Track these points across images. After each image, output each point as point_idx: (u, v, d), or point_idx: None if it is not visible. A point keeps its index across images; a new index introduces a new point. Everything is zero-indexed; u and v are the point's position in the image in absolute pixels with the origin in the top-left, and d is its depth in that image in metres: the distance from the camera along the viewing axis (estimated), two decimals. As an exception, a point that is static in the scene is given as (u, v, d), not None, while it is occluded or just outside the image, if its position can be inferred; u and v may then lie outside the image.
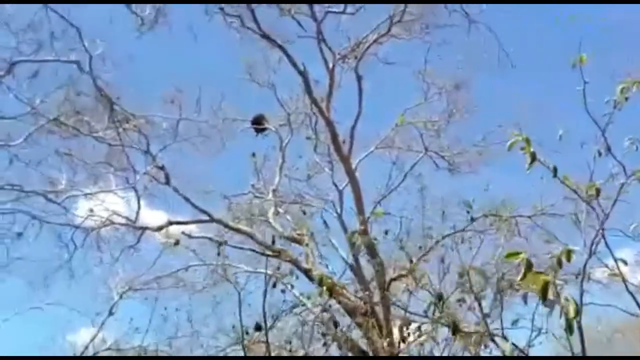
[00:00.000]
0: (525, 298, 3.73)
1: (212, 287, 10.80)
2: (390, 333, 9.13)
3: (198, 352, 8.85)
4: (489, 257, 10.66)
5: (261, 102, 11.82)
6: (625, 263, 3.27)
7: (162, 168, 10.09)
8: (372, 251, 9.13)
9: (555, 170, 2.73)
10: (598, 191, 3.05)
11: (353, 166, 10.53)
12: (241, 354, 8.55)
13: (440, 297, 4.05)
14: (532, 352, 3.82)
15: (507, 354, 3.22)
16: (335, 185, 11.26)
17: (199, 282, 10.71)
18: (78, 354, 9.37)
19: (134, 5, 8.59)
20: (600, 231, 3.15)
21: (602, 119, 3.24)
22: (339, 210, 11.22)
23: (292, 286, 7.31)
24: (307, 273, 9.68)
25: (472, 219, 8.51)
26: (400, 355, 7.01)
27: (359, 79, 10.13)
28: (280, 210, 11.43)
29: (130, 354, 9.09)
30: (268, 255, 10.27)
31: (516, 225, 10.30)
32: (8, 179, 9.01)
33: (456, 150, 11.91)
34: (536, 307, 3.22)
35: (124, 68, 9.05)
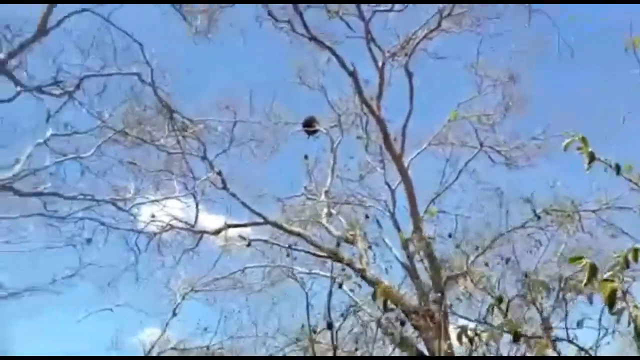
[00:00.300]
0: (590, 299, 3.58)
1: (269, 288, 11.05)
2: (447, 334, 8.97)
3: (260, 352, 9.07)
4: (551, 254, 10.28)
5: (312, 104, 11.94)
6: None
7: (219, 174, 10.40)
8: (427, 252, 9.00)
9: (617, 167, 2.59)
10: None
11: (405, 165, 10.41)
12: (299, 353, 8.69)
13: (500, 300, 3.94)
14: (600, 353, 3.66)
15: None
16: (388, 185, 11.19)
17: (257, 283, 10.97)
18: (144, 354, 9.83)
19: (186, 13, 8.91)
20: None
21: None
22: (391, 210, 11.15)
23: (360, 286, 7.33)
24: (361, 274, 9.68)
25: (536, 215, 8.18)
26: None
27: (409, 76, 10.00)
28: (333, 211, 11.49)
29: (194, 354, 9.44)
30: (322, 257, 10.37)
31: (580, 221, 9.85)
32: (80, 189, 9.59)
33: (513, 145, 11.52)
34: (603, 308, 3.07)
35: (182, 77, 9.43)
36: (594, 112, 10.24)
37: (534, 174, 11.50)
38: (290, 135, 12.13)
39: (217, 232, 10.80)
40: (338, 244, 10.00)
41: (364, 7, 9.38)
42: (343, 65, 9.79)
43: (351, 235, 10.59)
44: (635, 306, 2.57)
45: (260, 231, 11.26)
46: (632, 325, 2.36)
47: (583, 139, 2.54)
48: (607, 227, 9.88)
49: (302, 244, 10.70)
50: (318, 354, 7.30)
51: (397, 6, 9.48)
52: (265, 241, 10.95)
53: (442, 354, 8.05)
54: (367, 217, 10.38)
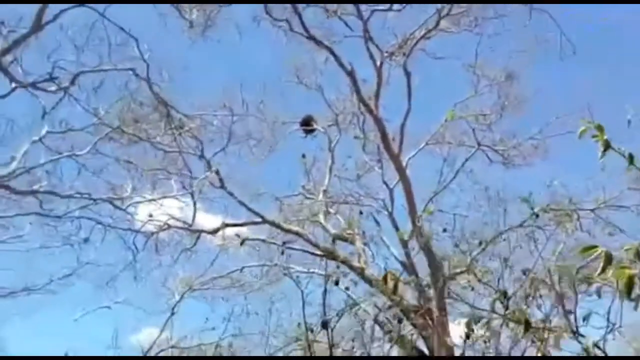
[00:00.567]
0: (599, 292, 3.58)
1: (266, 287, 11.00)
2: (446, 331, 8.97)
3: (260, 351, 9.02)
4: (549, 252, 10.30)
5: (309, 103, 11.93)
6: None
7: (216, 172, 10.36)
8: (426, 249, 9.00)
9: (631, 157, 2.59)
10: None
11: (403, 164, 10.42)
12: (299, 353, 8.64)
13: (505, 294, 3.94)
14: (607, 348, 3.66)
15: (587, 351, 3.09)
16: (386, 184, 11.20)
17: (254, 282, 10.93)
18: (143, 354, 9.75)
19: (183, 10, 8.85)
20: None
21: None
22: (390, 209, 11.15)
23: (356, 283, 7.31)
24: (359, 272, 9.67)
25: (534, 214, 8.22)
26: (460, 354, 6.88)
27: (407, 75, 10.03)
28: (331, 210, 11.49)
29: (193, 353, 9.38)
30: (320, 255, 10.35)
31: (578, 220, 9.88)
32: (76, 187, 9.51)
33: (510, 144, 11.56)
34: (613, 300, 3.09)
35: (178, 74, 9.38)
36: (593, 111, 10.28)
37: (531, 173, 11.57)
38: (288, 134, 12.13)
39: (214, 231, 10.77)
40: (333, 241, 10.00)
41: (362, 6, 9.39)
42: (341, 64, 9.81)
43: (349, 234, 10.59)
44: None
45: (258, 230, 11.25)
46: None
47: (599, 127, 2.53)
48: (605, 226, 9.92)
49: (300, 243, 10.69)
50: (318, 353, 7.26)
51: (396, 6, 9.50)
52: (264, 241, 10.93)
53: (443, 353, 8.05)
54: (361, 213, 10.39)
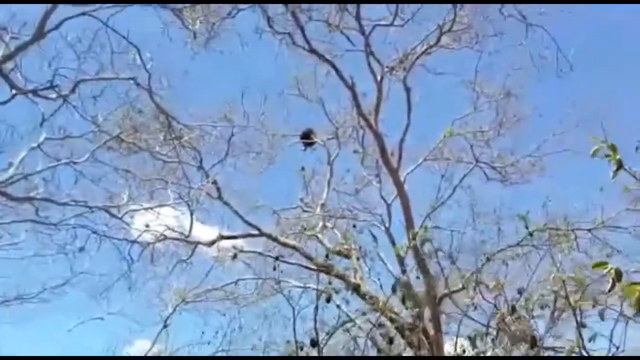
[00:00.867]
0: (602, 314, 3.53)
1: (261, 300, 10.90)
2: (441, 349, 8.87)
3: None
4: (546, 273, 10.25)
5: (310, 116, 11.94)
6: None
7: (214, 183, 10.32)
8: (422, 267, 8.94)
9: (642, 178, 2.57)
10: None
11: (401, 179, 10.40)
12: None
13: (513, 309, 3.88)
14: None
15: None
16: (384, 199, 11.18)
17: (249, 296, 10.83)
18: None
19: (186, 20, 8.89)
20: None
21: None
22: (387, 224, 11.11)
23: (348, 302, 7.22)
24: (355, 288, 9.59)
25: (530, 234, 8.19)
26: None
27: (407, 90, 10.06)
28: (329, 224, 11.43)
29: (185, 365, 9.26)
30: (316, 270, 10.27)
31: (575, 240, 9.85)
32: (73, 195, 9.46)
33: (508, 161, 11.58)
34: (615, 323, 3.03)
35: (179, 83, 9.40)
36: (592, 128, 10.34)
37: (529, 190, 11.57)
38: (288, 146, 12.13)
39: (211, 243, 10.69)
40: (327, 256, 9.91)
41: (364, 21, 9.45)
42: (342, 78, 9.84)
43: (345, 249, 10.52)
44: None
45: (254, 243, 11.18)
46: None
47: (612, 147, 2.52)
48: (603, 247, 9.88)
49: (297, 257, 10.62)
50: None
51: (397, 21, 9.56)
52: (259, 253, 10.85)
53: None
54: (354, 226, 10.34)
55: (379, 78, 9.94)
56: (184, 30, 8.65)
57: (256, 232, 10.78)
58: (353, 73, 9.79)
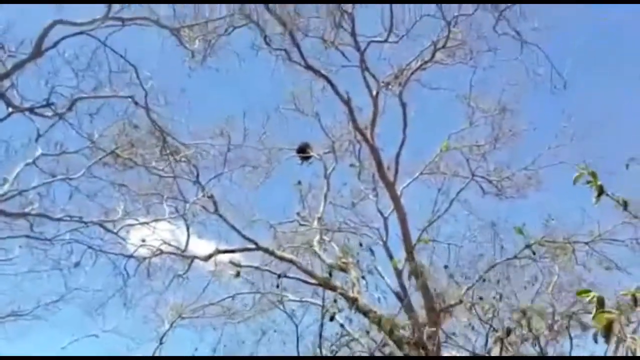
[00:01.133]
0: (595, 337, 3.53)
1: (258, 315, 10.85)
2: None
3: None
4: (544, 285, 10.28)
5: (306, 130, 11.99)
6: None
7: (210, 197, 10.31)
8: (421, 282, 8.94)
9: (625, 203, 2.60)
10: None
11: (398, 193, 10.42)
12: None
13: (509, 332, 3.88)
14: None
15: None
16: (381, 213, 11.18)
17: (246, 311, 10.78)
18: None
19: (184, 40, 8.95)
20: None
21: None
22: (384, 238, 11.10)
23: (351, 320, 7.20)
24: (353, 302, 9.55)
25: (527, 246, 8.21)
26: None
27: (403, 105, 10.11)
28: (326, 238, 11.41)
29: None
30: (315, 284, 10.25)
31: (573, 252, 9.89)
32: (68, 211, 9.43)
33: (504, 175, 11.63)
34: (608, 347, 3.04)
35: (176, 100, 9.43)
36: (586, 142, 10.44)
37: (525, 204, 11.61)
38: (284, 160, 12.15)
39: (207, 257, 10.65)
40: (330, 275, 9.85)
41: (359, 37, 9.53)
42: (338, 93, 9.88)
43: (343, 263, 10.49)
44: (634, 338, 2.56)
45: (251, 257, 11.14)
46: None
47: (593, 174, 2.56)
48: (600, 260, 9.92)
49: (294, 271, 10.58)
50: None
51: (392, 37, 9.63)
52: (257, 268, 10.81)
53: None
54: (360, 245, 10.31)
55: (374, 93, 9.99)
56: (182, 48, 8.69)
57: (253, 246, 10.74)
58: (349, 88, 9.85)
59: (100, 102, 8.96)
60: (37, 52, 7.21)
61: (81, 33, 7.32)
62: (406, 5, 9.29)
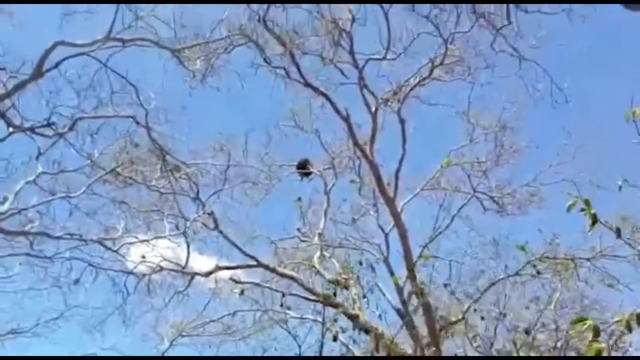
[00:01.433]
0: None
1: (260, 333, 10.77)
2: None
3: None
4: (546, 301, 10.18)
5: (306, 146, 12.01)
6: None
7: (211, 214, 10.32)
8: (422, 300, 8.88)
9: (618, 231, 2.59)
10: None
11: (398, 209, 10.40)
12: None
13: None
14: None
15: None
16: (381, 229, 11.13)
17: (246, 329, 10.70)
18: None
19: (185, 60, 9.04)
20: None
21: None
22: (385, 254, 11.05)
23: (355, 341, 7.14)
24: (354, 319, 9.49)
25: (529, 262, 8.16)
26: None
27: (402, 122, 10.15)
28: (326, 254, 11.37)
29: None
30: (316, 301, 10.18)
31: (575, 268, 9.81)
32: (68, 228, 9.45)
33: (506, 191, 11.58)
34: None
35: (177, 119, 9.49)
36: (586, 158, 10.42)
37: (527, 221, 11.54)
38: (284, 177, 12.16)
39: (208, 274, 10.61)
40: (334, 294, 9.79)
41: (357, 55, 9.62)
42: (337, 110, 9.94)
43: (344, 279, 10.44)
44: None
45: (252, 274, 11.10)
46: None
47: (586, 202, 2.55)
48: (602, 276, 9.84)
49: (294, 287, 10.53)
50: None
51: (390, 55, 9.70)
52: (258, 284, 10.76)
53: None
54: (360, 263, 10.25)
55: (373, 109, 10.04)
56: (182, 67, 8.77)
57: (254, 262, 10.71)
58: (348, 105, 9.91)
59: (101, 121, 9.05)
60: (38, 72, 7.29)
61: (82, 54, 7.40)
62: (403, 23, 9.38)
